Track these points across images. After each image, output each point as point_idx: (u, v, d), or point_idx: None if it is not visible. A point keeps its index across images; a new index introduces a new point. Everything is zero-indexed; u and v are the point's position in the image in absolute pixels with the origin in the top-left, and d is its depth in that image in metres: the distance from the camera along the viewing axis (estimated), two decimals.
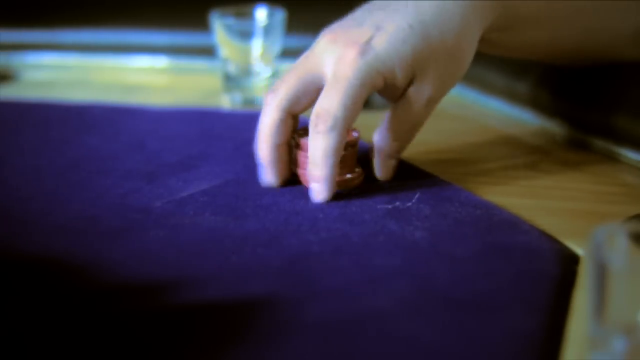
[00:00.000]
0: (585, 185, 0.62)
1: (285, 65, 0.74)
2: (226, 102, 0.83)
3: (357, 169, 0.60)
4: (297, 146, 0.59)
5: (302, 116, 0.60)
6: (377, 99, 0.61)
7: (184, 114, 0.79)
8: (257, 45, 0.81)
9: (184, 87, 0.91)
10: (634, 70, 0.67)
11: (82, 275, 0.49)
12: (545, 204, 0.59)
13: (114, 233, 0.54)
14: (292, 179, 0.60)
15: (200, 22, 0.86)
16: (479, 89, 0.81)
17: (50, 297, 0.47)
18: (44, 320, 0.44)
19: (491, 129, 0.74)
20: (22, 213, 0.58)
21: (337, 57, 0.56)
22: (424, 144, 0.65)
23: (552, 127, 0.72)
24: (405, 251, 0.51)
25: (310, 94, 0.58)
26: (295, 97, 0.58)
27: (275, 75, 0.82)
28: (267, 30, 0.81)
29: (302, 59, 0.59)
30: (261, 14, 0.82)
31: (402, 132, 0.59)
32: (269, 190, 0.60)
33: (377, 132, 0.59)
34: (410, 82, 0.57)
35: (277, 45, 0.82)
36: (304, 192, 0.58)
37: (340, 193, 0.58)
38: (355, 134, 0.59)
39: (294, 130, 0.59)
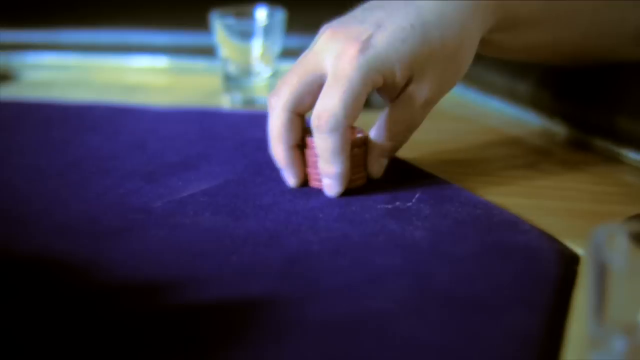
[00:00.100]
0: (585, 185, 0.62)
1: (285, 65, 0.74)
2: (226, 102, 0.83)
3: (364, 170, 0.60)
4: (305, 145, 0.59)
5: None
6: (377, 98, 0.61)
7: (184, 114, 0.79)
8: (257, 45, 0.81)
9: (184, 87, 0.91)
10: (635, 70, 0.67)
11: (82, 275, 0.49)
12: (545, 204, 0.59)
13: (114, 233, 0.54)
14: None
15: (200, 22, 0.86)
16: (479, 89, 0.81)
17: (50, 297, 0.47)
18: (44, 320, 0.44)
19: (491, 129, 0.74)
20: (22, 213, 0.58)
21: (337, 54, 0.56)
22: (424, 144, 0.65)
23: (553, 127, 0.72)
24: (405, 251, 0.51)
25: (313, 92, 0.57)
26: (298, 96, 0.57)
27: (275, 75, 0.82)
28: (267, 30, 0.81)
29: (303, 58, 0.59)
30: (261, 14, 0.82)
31: (397, 132, 0.59)
32: (269, 190, 0.59)
33: (372, 130, 0.59)
34: (408, 82, 0.57)
35: (277, 45, 0.82)
36: (304, 192, 0.58)
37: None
38: (360, 135, 0.59)
39: (303, 129, 0.59)
